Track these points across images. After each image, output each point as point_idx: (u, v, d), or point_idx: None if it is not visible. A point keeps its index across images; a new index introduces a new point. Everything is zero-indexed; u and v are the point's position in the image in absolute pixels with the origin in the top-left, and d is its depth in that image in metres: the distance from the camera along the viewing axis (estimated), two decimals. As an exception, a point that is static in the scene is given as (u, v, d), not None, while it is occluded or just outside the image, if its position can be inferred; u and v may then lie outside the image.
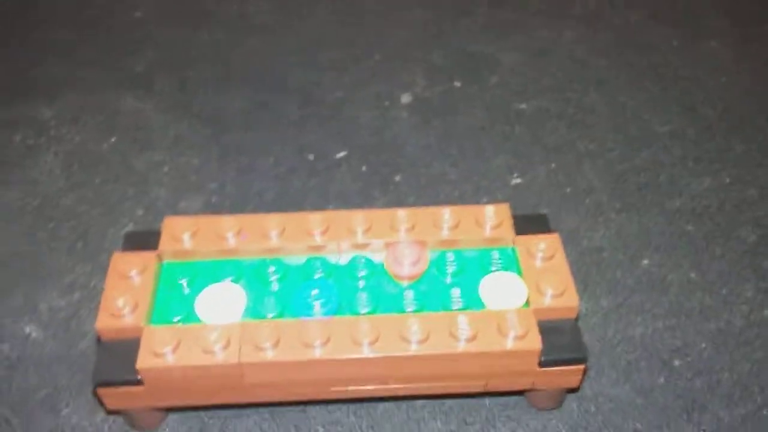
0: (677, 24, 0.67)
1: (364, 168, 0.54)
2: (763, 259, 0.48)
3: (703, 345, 0.44)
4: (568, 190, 0.53)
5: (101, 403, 0.37)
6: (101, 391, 0.36)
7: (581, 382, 0.39)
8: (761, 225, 0.50)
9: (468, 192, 0.53)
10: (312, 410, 0.40)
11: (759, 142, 0.56)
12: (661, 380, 0.42)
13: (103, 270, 0.47)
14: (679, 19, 0.68)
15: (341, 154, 0.55)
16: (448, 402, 0.41)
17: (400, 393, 0.38)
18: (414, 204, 0.51)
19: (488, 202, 0.51)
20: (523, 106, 0.59)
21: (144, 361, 0.35)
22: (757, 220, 0.51)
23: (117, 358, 0.35)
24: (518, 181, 0.53)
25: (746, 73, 0.62)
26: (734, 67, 0.63)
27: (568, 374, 0.37)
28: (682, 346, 0.44)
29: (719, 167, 0.54)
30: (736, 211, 0.51)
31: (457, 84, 0.61)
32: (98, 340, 0.36)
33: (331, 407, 0.40)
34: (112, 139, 0.56)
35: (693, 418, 0.40)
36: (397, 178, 0.54)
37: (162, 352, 0.35)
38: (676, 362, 0.43)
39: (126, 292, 0.37)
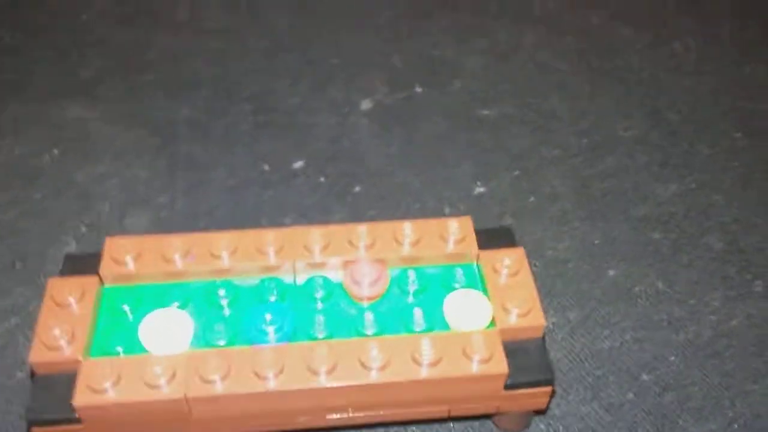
0: (640, 26, 0.67)
1: (321, 179, 0.52)
2: (730, 266, 0.47)
3: (672, 358, 0.43)
4: (532, 198, 0.51)
5: (38, 444, 0.34)
6: (36, 430, 0.33)
7: (548, 404, 0.37)
8: (727, 231, 0.50)
9: (430, 203, 0.51)
10: (267, 441, 0.38)
11: (723, 146, 0.56)
12: (630, 396, 0.41)
13: (42, 293, 0.44)
14: (642, 20, 0.67)
15: (298, 165, 0.53)
16: (411, 427, 0.39)
17: (360, 422, 0.36)
18: (374, 217, 0.49)
19: (451, 213, 0.50)
20: (486, 112, 0.58)
21: (81, 397, 0.32)
22: (724, 226, 0.50)
23: (52, 395, 0.33)
24: (482, 190, 0.52)
25: (710, 75, 0.62)
26: (698, 69, 0.62)
27: (535, 397, 0.36)
28: (651, 360, 0.42)
29: (685, 172, 0.54)
30: (702, 217, 0.50)
31: (419, 90, 0.59)
32: (32, 374, 0.34)
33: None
34: (54, 151, 0.53)
35: (663, 436, 0.39)
36: (357, 189, 0.52)
37: (101, 388, 0.32)
38: (645, 377, 0.42)
39: (63, 321, 0.34)
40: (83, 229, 0.48)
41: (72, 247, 0.47)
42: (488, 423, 0.39)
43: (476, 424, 0.39)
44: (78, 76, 0.60)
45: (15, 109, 0.57)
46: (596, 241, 0.49)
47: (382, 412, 0.35)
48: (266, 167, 0.53)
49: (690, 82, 0.61)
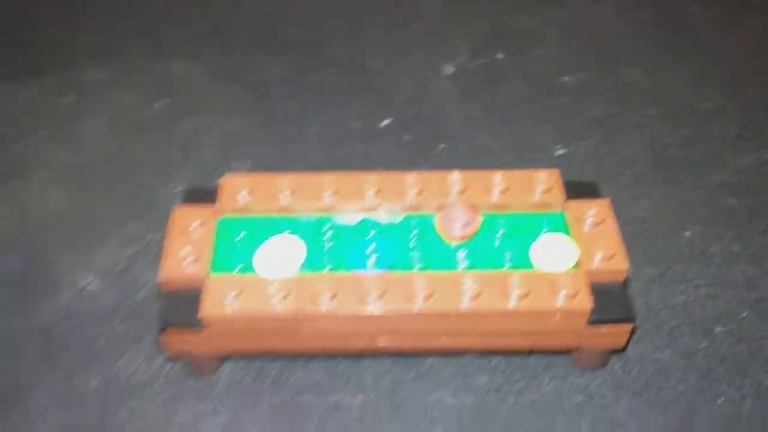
0: (717, 3, 0.67)
1: (407, 137, 0.55)
2: (805, 233, 0.49)
3: (745, 314, 0.44)
4: (611, 161, 0.53)
5: (164, 348, 0.38)
6: (166, 335, 0.37)
7: (627, 342, 0.40)
8: (803, 201, 0.51)
9: (511, 163, 0.53)
10: (363, 362, 0.41)
11: (801, 119, 0.57)
12: (704, 345, 0.43)
13: (155, 227, 0.48)
14: (720, -3, 0.68)
15: (385, 123, 0.56)
16: (495, 359, 0.42)
17: (450, 348, 0.39)
18: (458, 172, 0.52)
19: (532, 172, 0.52)
20: (566, 78, 0.60)
21: (208, 308, 0.36)
22: (799, 196, 0.51)
23: (181, 305, 0.37)
24: (561, 152, 0.54)
25: (788, 52, 0.62)
26: (776, 46, 0.63)
27: (615, 334, 0.38)
28: (724, 314, 0.44)
29: (761, 144, 0.55)
30: (779, 187, 0.52)
31: (500, 56, 0.62)
32: (161, 288, 0.38)
33: (381, 359, 0.41)
34: (161, 102, 0.57)
35: (734, 382, 0.41)
36: (441, 147, 0.54)
37: (225, 302, 0.36)
38: (718, 329, 0.44)
39: (187, 244, 0.38)
40: (189, 173, 0.52)
41: (180, 189, 0.51)
42: (567, 360, 0.42)
43: (556, 360, 0.42)
44: (178, 37, 0.64)
45: (122, 64, 0.61)
46: (673, 204, 0.50)
47: (470, 340, 0.38)
48: (356, 124, 0.56)
49: (766, 59, 0.62)
